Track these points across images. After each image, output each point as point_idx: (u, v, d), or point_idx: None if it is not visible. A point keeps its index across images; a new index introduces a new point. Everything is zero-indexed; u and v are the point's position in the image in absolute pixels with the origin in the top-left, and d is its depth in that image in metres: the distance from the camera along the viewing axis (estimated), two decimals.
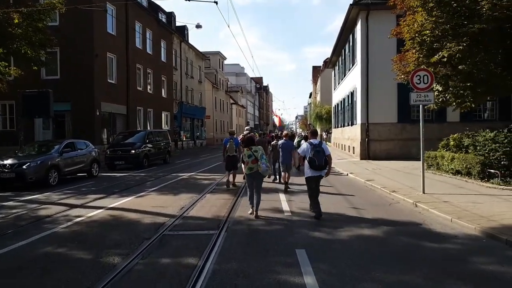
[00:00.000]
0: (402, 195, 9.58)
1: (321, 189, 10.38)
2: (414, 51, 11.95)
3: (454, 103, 11.79)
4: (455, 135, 13.02)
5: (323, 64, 66.72)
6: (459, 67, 10.59)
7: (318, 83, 66.85)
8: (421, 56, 11.78)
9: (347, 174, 15.18)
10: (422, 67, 11.89)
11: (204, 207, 8.65)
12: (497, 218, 6.95)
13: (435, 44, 11.22)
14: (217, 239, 6.03)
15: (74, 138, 17.72)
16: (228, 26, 26.08)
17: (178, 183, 13.07)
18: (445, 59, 10.60)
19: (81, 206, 9.15)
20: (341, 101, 29.66)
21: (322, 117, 49.91)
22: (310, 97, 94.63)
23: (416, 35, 11.50)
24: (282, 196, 9.87)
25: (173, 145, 35.80)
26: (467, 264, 5.00)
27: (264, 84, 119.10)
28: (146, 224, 7.13)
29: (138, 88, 29.41)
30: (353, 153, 23.45)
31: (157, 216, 7.74)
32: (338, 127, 32.72)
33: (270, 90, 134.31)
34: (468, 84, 10.87)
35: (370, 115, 20.81)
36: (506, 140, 10.37)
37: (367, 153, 20.84)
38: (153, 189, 11.65)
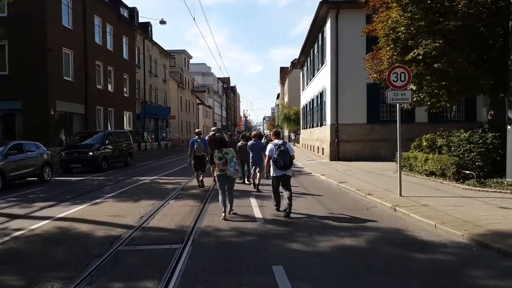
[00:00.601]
0: (379, 198, 9.10)
1: (294, 191, 9.84)
2: (388, 48, 11.57)
3: (429, 103, 11.49)
4: (428, 135, 12.77)
5: (290, 65, 66.73)
6: (435, 65, 10.26)
7: (286, 84, 66.79)
8: (395, 54, 11.41)
9: (319, 176, 14.67)
10: (396, 65, 11.54)
11: (166, 215, 7.77)
12: (482, 223, 6.53)
13: (409, 42, 10.88)
14: (181, 254, 5.22)
15: (26, 139, 16.25)
16: (194, 18, 25.16)
17: (139, 188, 12.06)
18: (420, 57, 10.25)
19: (24, 216, 8.03)
20: (309, 102, 29.35)
21: (290, 118, 49.72)
22: (277, 98, 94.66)
23: (391, 32, 11.11)
24: (253, 201, 9.14)
25: (135, 147, 34.40)
26: (462, 278, 4.46)
27: (232, 84, 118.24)
28: (98, 238, 6.19)
29: (98, 86, 27.85)
30: (323, 154, 23.10)
31: (112, 228, 6.80)
32: (306, 128, 32.43)
33: (238, 91, 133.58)
34: (443, 83, 10.57)
35: (340, 115, 20.49)
36: (480, 141, 10.14)
37: (337, 154, 20.51)
38: (111, 195, 10.61)
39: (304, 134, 34.07)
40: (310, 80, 29.18)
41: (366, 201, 9.24)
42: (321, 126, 23.84)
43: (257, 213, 7.76)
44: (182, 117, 53.39)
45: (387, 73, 12.31)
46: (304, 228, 6.63)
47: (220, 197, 7.56)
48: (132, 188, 11.83)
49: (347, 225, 6.81)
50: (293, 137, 51.08)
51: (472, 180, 9.95)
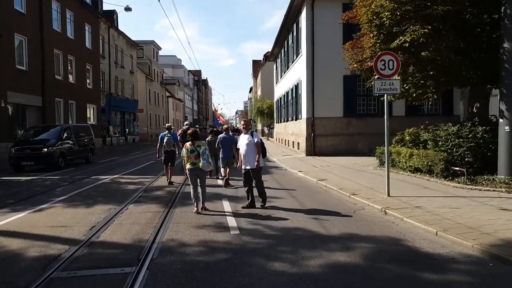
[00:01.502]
0: (365, 199, 8.20)
1: (271, 192, 8.84)
2: (371, 35, 10.68)
3: (414, 94, 10.69)
4: (411, 129, 12.02)
5: (263, 58, 65.56)
6: (422, 53, 9.43)
7: (259, 78, 65.74)
8: (379, 41, 10.52)
9: (297, 172, 13.72)
10: (378, 53, 10.67)
11: (123, 225, 6.54)
12: (488, 229, 5.70)
13: (394, 28, 10.02)
14: (134, 283, 4.07)
15: None
16: (161, 6, 23.61)
17: (97, 189, 10.70)
18: (406, 45, 9.39)
19: None
20: (284, 95, 28.40)
21: (264, 112, 48.76)
22: (250, 91, 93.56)
23: (374, 17, 10.21)
24: (226, 205, 8.03)
25: (100, 142, 32.47)
26: None
27: (203, 77, 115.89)
28: (30, 260, 4.91)
29: (57, 76, 25.84)
30: (298, 148, 22.22)
31: (52, 244, 5.52)
32: (281, 122, 31.51)
33: (210, 84, 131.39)
34: (431, 73, 9.78)
35: (316, 109, 19.62)
36: (470, 135, 9.41)
37: (313, 149, 19.65)
38: (61, 198, 9.22)
39: (278, 128, 33.17)
40: (285, 72, 28.23)
41: (352, 202, 8.31)
42: (296, 120, 22.95)
43: (231, 222, 6.64)
44: (150, 111, 51.38)
45: (369, 62, 11.56)
46: (287, 239, 5.59)
47: (191, 191, 7.52)
48: (88, 190, 10.45)
49: (336, 234, 5.82)
50: (266, 131, 50.17)
51: (462, 177, 9.23)
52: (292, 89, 24.22)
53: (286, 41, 26.95)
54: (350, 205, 8.04)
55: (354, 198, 8.51)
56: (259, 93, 62.60)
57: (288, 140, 26.73)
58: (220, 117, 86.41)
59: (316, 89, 19.55)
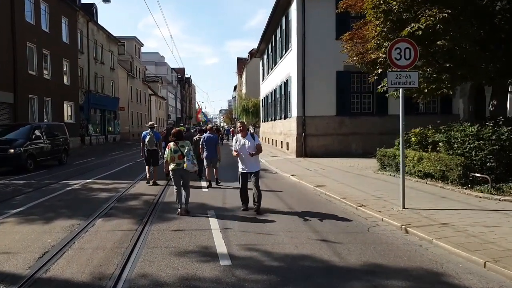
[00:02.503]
0: (377, 212, 7.00)
1: (264, 202, 7.63)
2: (377, 23, 9.47)
3: (426, 90, 9.55)
4: (417, 129, 10.88)
5: (248, 56, 64.30)
6: (438, 42, 8.29)
7: (244, 75, 64.41)
8: (385, 29, 9.33)
9: (289, 177, 12.50)
10: (385, 44, 9.51)
11: (83, 251, 5.17)
12: None
13: (405, 14, 8.85)
14: None
15: None
16: (145, 3, 22.12)
17: (63, 197, 9.24)
18: (420, 33, 8.22)
19: None
20: (271, 93, 27.15)
21: (249, 111, 47.37)
22: (235, 90, 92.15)
23: (381, 2, 9.01)
24: (213, 220, 6.72)
25: (78, 141, 30.70)
26: None
27: (187, 75, 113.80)
28: None
29: (31, 72, 24.04)
30: (287, 149, 21.01)
31: None
32: (267, 120, 30.27)
33: (193, 82, 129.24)
34: (447, 65, 8.64)
35: (307, 107, 18.41)
36: (494, 136, 8.28)
37: (304, 150, 18.45)
38: (18, 210, 7.77)
39: (265, 127, 31.91)
40: (272, 69, 26.98)
41: (361, 216, 7.10)
42: (285, 118, 21.73)
43: (220, 244, 5.34)
44: (132, 109, 49.50)
45: (372, 54, 10.39)
46: (295, 275, 4.31)
47: (175, 192, 7.31)
48: (52, 199, 8.99)
49: (356, 265, 4.59)
50: (252, 130, 48.87)
51: (485, 185, 8.09)
52: (280, 86, 22.99)
53: (273, 36, 25.70)
54: (360, 220, 6.82)
55: (362, 211, 7.31)
56: (244, 91, 61.27)
57: (276, 140, 25.50)
58: (199, 116, 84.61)
59: (308, 86, 18.36)
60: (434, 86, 9.30)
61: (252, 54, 58.40)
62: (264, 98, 31.98)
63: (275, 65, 25.60)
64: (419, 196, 8.17)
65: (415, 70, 7.19)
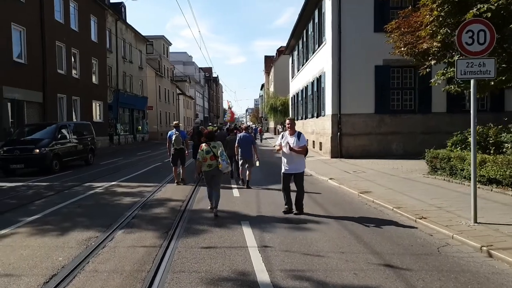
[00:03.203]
0: (443, 227, 5.85)
1: (307, 210, 6.71)
2: (434, 6, 8.25)
3: (492, 82, 8.27)
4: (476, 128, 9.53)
5: (276, 53, 63.30)
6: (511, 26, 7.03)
7: (271, 74, 63.41)
8: (443, 14, 8.11)
9: (327, 180, 11.43)
10: (441, 31, 8.29)
11: (98, 274, 4.32)
12: None
13: None
14: None
15: None
16: (177, 2, 21.49)
17: (84, 203, 8.54)
18: (488, 14, 6.99)
19: None
20: (301, 90, 26.04)
21: (277, 109, 46.33)
22: (261, 89, 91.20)
23: None
24: (249, 234, 5.76)
25: (106, 141, 30.55)
26: None
27: (214, 75, 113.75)
28: None
29: (60, 71, 23.90)
30: (320, 149, 19.87)
31: None
32: (297, 119, 29.12)
33: (220, 81, 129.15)
34: None
35: (343, 104, 17.22)
36: None
37: (339, 150, 17.28)
38: (34, 217, 7.09)
39: (296, 126, 30.75)
40: (303, 65, 25.85)
41: (424, 231, 5.95)
42: (318, 117, 20.58)
43: (260, 268, 4.37)
44: (160, 108, 49.39)
45: (424, 43, 9.18)
46: None
47: (207, 190, 7.42)
48: (72, 205, 8.29)
49: None
50: (280, 130, 47.77)
51: None
52: (312, 83, 21.85)
53: (305, 31, 24.57)
54: (424, 236, 5.69)
55: (424, 224, 6.17)
56: (271, 89, 60.24)
57: (307, 140, 24.31)
58: (232, 114, 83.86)
59: (343, 82, 17.16)
60: (503, 78, 8.01)
61: (280, 51, 57.32)
62: (294, 96, 30.88)
63: (306, 61, 24.47)
64: (489, 207, 6.94)
65: (491, 57, 5.97)
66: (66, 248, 5.24)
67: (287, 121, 7.46)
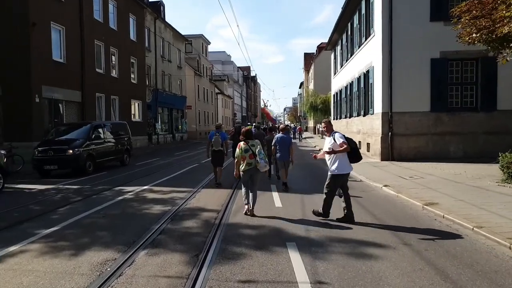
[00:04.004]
0: None
1: (359, 231, 5.46)
2: None
3: None
4: None
5: (316, 50, 61.53)
6: None
7: (311, 71, 61.74)
8: None
9: (381, 188, 10.05)
10: None
11: None
12: None
13: None
14: None
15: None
16: (219, 2, 20.68)
17: (109, 211, 7.70)
18: None
19: None
20: (345, 87, 24.48)
21: (317, 108, 44.64)
22: (300, 87, 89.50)
23: None
24: (297, 264, 4.52)
25: (145, 140, 30.36)
26: None
27: (252, 74, 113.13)
28: None
29: (98, 70, 23.76)
30: (368, 151, 18.33)
31: None
32: (340, 118, 27.58)
33: (259, 81, 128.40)
34: None
35: (394, 101, 15.63)
36: None
37: (391, 152, 15.71)
38: (50, 230, 6.28)
39: (338, 125, 29.11)
40: (347, 60, 24.30)
41: None
42: (364, 115, 19.04)
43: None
44: (199, 107, 49.14)
45: (505, 26, 7.63)
46: None
47: (243, 190, 7.17)
48: (96, 214, 7.47)
49: None
50: (321, 129, 46.09)
51: None
52: (358, 79, 20.31)
53: (349, 24, 23.01)
54: None
55: None
56: (311, 87, 58.54)
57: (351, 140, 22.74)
58: (269, 114, 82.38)
59: (395, 77, 15.57)
60: None
61: (321, 48, 55.58)
62: (336, 93, 29.29)
63: (351, 56, 22.91)
64: None
65: None
66: (76, 276, 4.31)
67: (322, 124, 6.94)
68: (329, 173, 6.60)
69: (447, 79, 15.54)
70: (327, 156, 6.60)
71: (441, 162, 14.51)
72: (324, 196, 6.62)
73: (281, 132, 10.61)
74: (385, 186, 10.06)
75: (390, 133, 15.65)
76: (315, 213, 6.77)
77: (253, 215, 6.85)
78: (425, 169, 12.79)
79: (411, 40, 15.37)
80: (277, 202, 8.20)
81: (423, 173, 11.98)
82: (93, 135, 14.50)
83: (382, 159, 15.74)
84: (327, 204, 6.62)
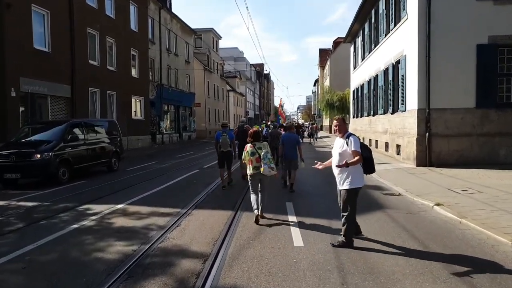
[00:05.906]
0: None
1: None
2: None
3: None
4: None
5: (333, 45, 58.56)
6: None
7: (327, 67, 58.92)
8: None
9: (428, 206, 7.46)
10: None
11: None
12: None
13: None
14: None
15: None
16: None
17: (38, 257, 5.16)
18: None
19: None
20: (368, 81, 21.74)
21: (334, 105, 41.87)
22: (315, 84, 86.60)
23: None
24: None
25: (148, 140, 28.11)
26: None
27: (266, 71, 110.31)
28: None
29: (92, 62, 21.46)
30: (397, 154, 15.62)
31: None
32: (361, 116, 24.83)
33: (272, 78, 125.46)
34: None
35: (432, 96, 12.93)
36: None
37: (428, 156, 13.00)
38: None
39: (358, 124, 26.37)
40: (370, 52, 21.55)
41: None
42: (393, 113, 16.30)
43: None
44: (209, 105, 46.72)
45: None
46: None
47: (252, 196, 6.70)
48: (19, 259, 5.01)
49: None
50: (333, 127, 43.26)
51: None
52: (385, 71, 17.59)
53: (373, 11, 20.25)
54: None
55: None
56: (327, 84, 55.68)
57: (377, 141, 20.05)
58: (283, 114, 79.52)
59: (433, 67, 12.87)
60: None
61: (337, 43, 52.55)
62: (357, 88, 26.51)
63: (375, 47, 20.17)
64: None
65: None
66: None
67: (335, 121, 5.60)
68: (340, 188, 5.33)
69: (496, 69, 12.80)
70: (336, 169, 5.31)
71: (489, 168, 11.83)
72: (343, 220, 5.26)
73: (288, 131, 10.31)
74: (437, 205, 7.44)
75: (427, 134, 12.94)
76: (338, 245, 5.19)
77: (262, 217, 6.56)
78: (475, 179, 10.12)
79: (453, 23, 12.71)
80: (296, 239, 5.60)
81: (476, 184, 9.32)
82: (69, 136, 12.10)
83: (418, 164, 13.06)
84: (350, 230, 5.25)
